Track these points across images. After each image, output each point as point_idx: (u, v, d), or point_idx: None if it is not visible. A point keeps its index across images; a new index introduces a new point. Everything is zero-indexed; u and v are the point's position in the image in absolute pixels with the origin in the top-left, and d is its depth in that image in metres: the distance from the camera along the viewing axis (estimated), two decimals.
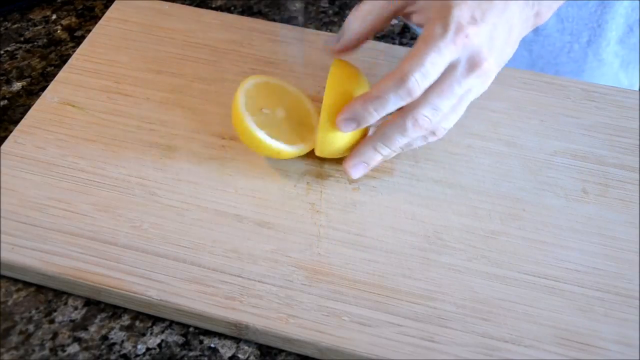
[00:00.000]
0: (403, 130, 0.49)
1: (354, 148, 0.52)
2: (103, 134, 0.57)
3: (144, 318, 0.48)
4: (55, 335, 0.47)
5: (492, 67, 0.47)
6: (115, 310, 0.49)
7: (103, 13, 0.67)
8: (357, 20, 0.52)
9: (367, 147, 0.51)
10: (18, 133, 0.57)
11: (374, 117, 0.48)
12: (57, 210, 0.52)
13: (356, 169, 0.52)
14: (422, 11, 0.50)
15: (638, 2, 0.71)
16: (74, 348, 0.47)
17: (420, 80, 0.46)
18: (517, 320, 0.47)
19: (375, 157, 0.52)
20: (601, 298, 0.48)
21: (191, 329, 0.48)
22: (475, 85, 0.48)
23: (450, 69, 0.47)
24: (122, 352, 0.47)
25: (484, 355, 0.45)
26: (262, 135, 0.51)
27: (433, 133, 0.50)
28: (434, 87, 0.47)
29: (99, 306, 0.49)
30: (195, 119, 0.58)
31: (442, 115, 0.49)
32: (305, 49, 0.64)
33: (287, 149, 0.52)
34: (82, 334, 0.47)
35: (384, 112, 0.48)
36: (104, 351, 0.47)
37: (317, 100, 0.59)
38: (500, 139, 0.58)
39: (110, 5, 0.68)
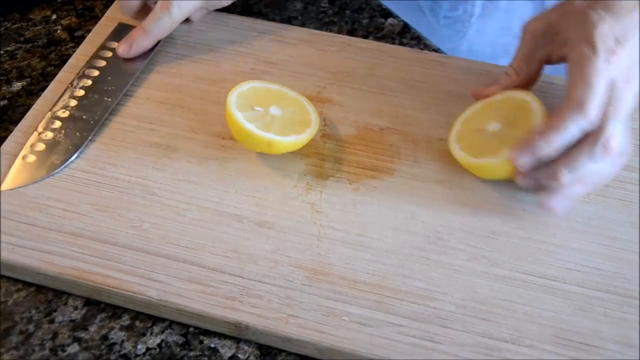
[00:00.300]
0: (592, 156, 0.49)
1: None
2: (103, 134, 0.57)
3: (144, 318, 0.48)
4: (55, 335, 0.47)
5: (633, 97, 0.49)
6: (115, 310, 0.49)
7: (103, 13, 0.67)
8: (507, 79, 0.55)
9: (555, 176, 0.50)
10: (18, 133, 0.57)
11: (553, 148, 0.49)
12: (57, 210, 0.52)
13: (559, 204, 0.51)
14: (564, 43, 0.51)
15: None
16: (74, 348, 0.47)
17: (594, 102, 0.47)
18: (517, 320, 0.47)
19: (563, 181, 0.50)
20: (601, 298, 0.48)
21: (191, 329, 0.48)
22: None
23: (611, 88, 0.48)
24: (122, 352, 0.47)
25: (484, 355, 0.45)
26: (250, 127, 0.52)
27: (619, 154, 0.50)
28: (606, 110, 0.48)
29: (99, 306, 0.49)
30: (195, 119, 0.58)
31: (623, 133, 0.49)
32: (305, 49, 0.64)
33: (279, 140, 0.52)
34: (82, 334, 0.47)
35: (563, 143, 0.48)
36: (104, 351, 0.47)
37: (318, 100, 0.59)
38: None
39: (110, 5, 0.68)
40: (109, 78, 0.60)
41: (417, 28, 0.69)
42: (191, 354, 0.47)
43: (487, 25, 0.74)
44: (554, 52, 0.53)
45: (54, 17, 0.69)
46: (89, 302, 0.49)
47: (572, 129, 0.48)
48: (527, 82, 0.55)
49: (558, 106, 0.48)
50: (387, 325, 0.47)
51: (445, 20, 0.74)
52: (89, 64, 0.61)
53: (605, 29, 0.48)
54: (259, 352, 0.47)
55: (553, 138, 0.48)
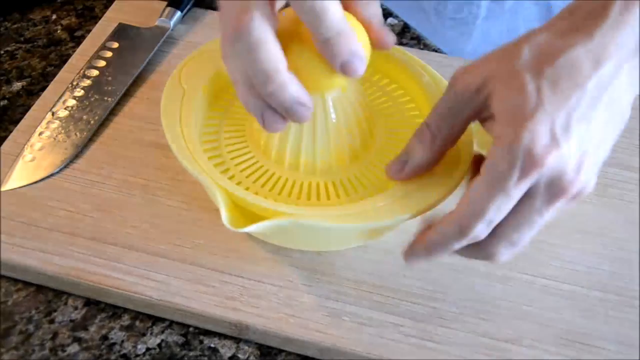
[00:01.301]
0: (484, 259, 0.42)
1: None
2: (103, 134, 0.57)
3: (144, 318, 0.48)
4: (55, 335, 0.47)
5: (583, 185, 0.39)
6: (115, 310, 0.49)
7: (103, 13, 0.67)
8: (422, 148, 0.44)
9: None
10: (18, 133, 0.57)
11: (436, 258, 0.42)
12: (57, 210, 0.52)
13: None
14: (494, 120, 0.39)
15: None
16: (74, 348, 0.47)
17: (485, 228, 0.39)
18: (517, 320, 0.47)
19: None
20: (601, 298, 0.48)
21: (191, 329, 0.48)
22: (563, 209, 0.40)
23: (528, 198, 0.39)
24: (122, 352, 0.46)
25: (484, 355, 0.45)
26: None
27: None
28: (509, 219, 0.39)
29: (99, 306, 0.49)
30: None
31: (522, 245, 0.41)
32: None
33: None
34: (82, 334, 0.47)
35: (447, 254, 0.42)
36: (104, 351, 0.46)
37: None
38: None
39: (110, 5, 0.68)
40: (109, 78, 0.60)
41: (421, 30, 0.68)
42: (191, 354, 0.47)
43: (493, 27, 0.73)
44: (483, 114, 0.41)
45: (54, 17, 0.69)
46: (89, 302, 0.49)
47: (455, 246, 0.41)
48: (445, 148, 0.44)
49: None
50: (387, 325, 0.47)
51: (450, 22, 0.73)
52: (89, 64, 0.61)
53: (541, 125, 0.37)
54: (259, 352, 0.47)
55: (433, 250, 0.42)
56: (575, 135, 0.38)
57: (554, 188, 0.38)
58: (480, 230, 0.39)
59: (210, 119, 0.52)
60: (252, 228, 0.42)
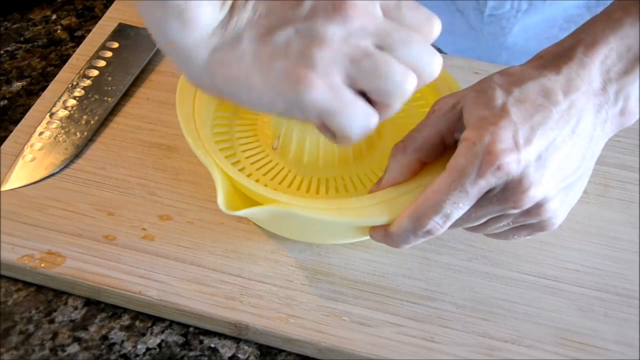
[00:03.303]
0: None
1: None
2: (103, 134, 0.57)
3: (144, 318, 0.48)
4: (55, 335, 0.47)
5: (539, 196, 0.39)
6: (115, 310, 0.49)
7: (103, 13, 0.67)
8: (393, 160, 0.44)
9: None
10: (18, 133, 0.57)
11: (398, 247, 0.44)
12: (57, 210, 0.52)
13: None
14: (466, 119, 0.41)
15: None
16: (74, 348, 0.47)
17: (441, 223, 0.40)
18: (517, 320, 0.47)
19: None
20: (601, 298, 0.48)
21: (191, 329, 0.48)
22: (527, 220, 0.42)
23: (485, 201, 0.40)
24: (122, 352, 0.47)
25: (484, 355, 0.45)
26: None
27: None
28: (468, 215, 0.41)
29: (99, 306, 0.49)
30: None
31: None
32: None
33: None
34: (82, 334, 0.47)
35: (408, 246, 0.43)
36: (104, 351, 0.47)
37: None
38: None
39: (110, 5, 0.68)
40: (109, 78, 0.60)
41: (452, 29, 0.68)
42: (191, 354, 0.47)
43: (532, 19, 0.72)
44: (457, 129, 0.42)
45: (54, 17, 0.69)
46: (89, 302, 0.49)
47: (412, 240, 0.42)
48: (417, 158, 0.44)
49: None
50: (387, 325, 0.47)
51: (489, 18, 0.72)
52: (89, 64, 0.61)
53: (504, 131, 0.38)
54: (259, 352, 0.47)
55: (392, 242, 0.43)
56: (536, 148, 0.39)
57: (509, 193, 0.39)
58: (435, 225, 0.40)
59: (225, 105, 0.53)
60: (244, 212, 0.43)
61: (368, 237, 0.49)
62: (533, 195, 0.39)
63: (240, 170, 0.48)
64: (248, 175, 0.48)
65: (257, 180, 0.48)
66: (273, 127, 0.50)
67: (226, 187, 0.44)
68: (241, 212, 0.43)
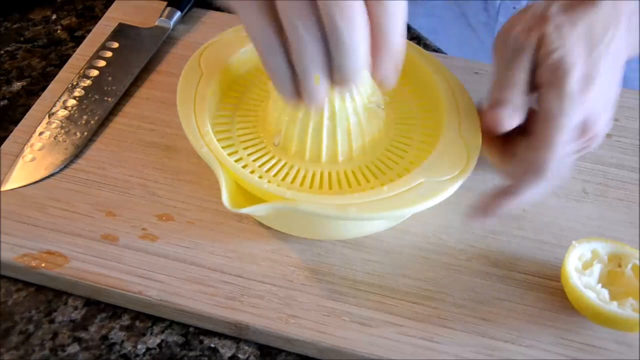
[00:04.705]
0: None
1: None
2: (103, 134, 0.57)
3: (144, 318, 0.48)
4: (55, 335, 0.47)
5: (603, 128, 0.46)
6: (115, 310, 0.49)
7: (103, 13, 0.67)
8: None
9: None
10: (18, 133, 0.57)
11: (506, 210, 0.46)
12: (57, 210, 0.52)
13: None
14: (541, 70, 0.45)
15: None
16: (74, 348, 0.47)
17: (553, 164, 0.44)
18: (517, 320, 0.47)
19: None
20: None
21: (191, 329, 0.48)
22: (584, 147, 0.47)
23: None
24: (122, 352, 0.46)
25: (484, 355, 0.45)
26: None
27: None
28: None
29: (99, 306, 0.49)
30: None
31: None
32: None
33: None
34: (82, 334, 0.47)
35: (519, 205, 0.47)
36: (104, 351, 0.46)
37: None
38: None
39: (110, 5, 0.68)
40: (109, 78, 0.60)
41: (465, 43, 0.68)
42: (191, 354, 0.47)
43: None
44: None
45: (54, 17, 0.69)
46: (89, 302, 0.49)
47: (530, 195, 0.45)
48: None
49: (519, 159, 0.46)
50: (387, 325, 0.47)
51: None
52: (89, 64, 0.61)
53: (577, 69, 0.43)
54: (259, 352, 0.47)
55: (507, 203, 0.46)
56: (602, 76, 0.44)
57: (585, 125, 0.44)
58: (553, 170, 0.44)
59: (225, 103, 0.53)
60: (249, 209, 0.43)
61: (372, 233, 0.50)
62: (601, 127, 0.45)
63: (243, 167, 0.48)
64: (251, 173, 0.48)
65: (260, 177, 0.48)
66: (274, 124, 0.50)
67: (230, 185, 0.44)
68: (246, 210, 0.43)
